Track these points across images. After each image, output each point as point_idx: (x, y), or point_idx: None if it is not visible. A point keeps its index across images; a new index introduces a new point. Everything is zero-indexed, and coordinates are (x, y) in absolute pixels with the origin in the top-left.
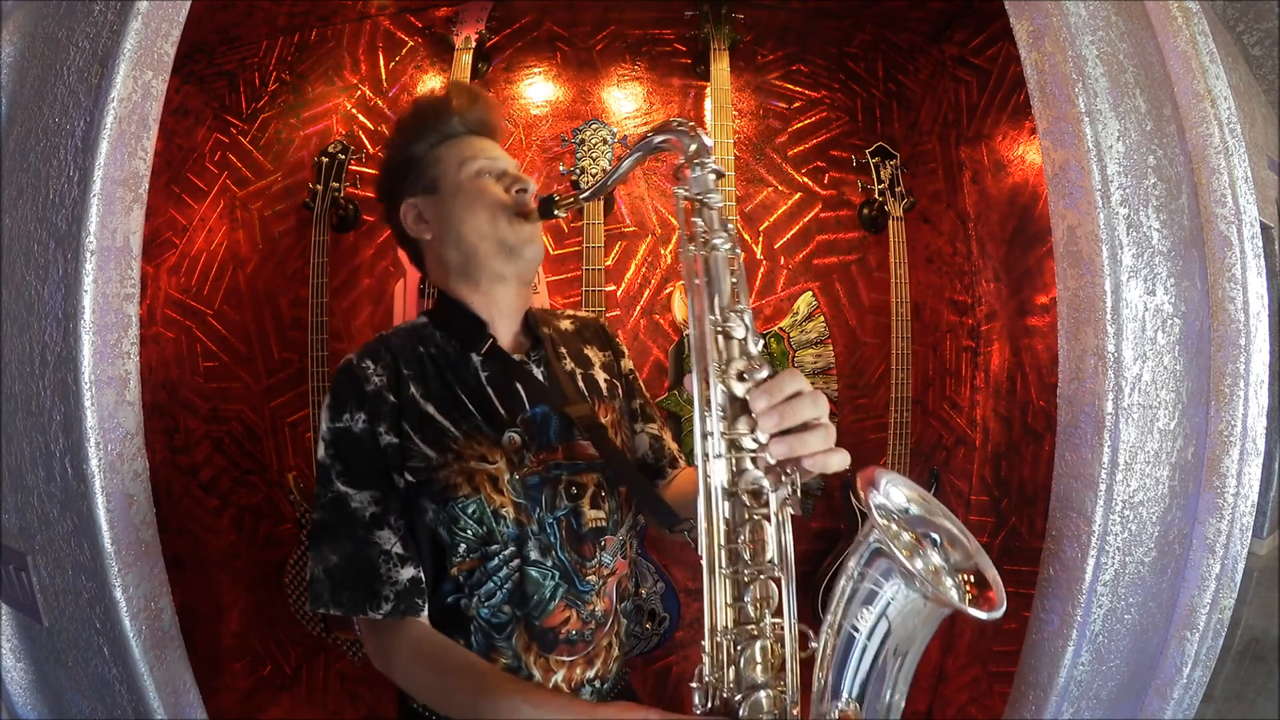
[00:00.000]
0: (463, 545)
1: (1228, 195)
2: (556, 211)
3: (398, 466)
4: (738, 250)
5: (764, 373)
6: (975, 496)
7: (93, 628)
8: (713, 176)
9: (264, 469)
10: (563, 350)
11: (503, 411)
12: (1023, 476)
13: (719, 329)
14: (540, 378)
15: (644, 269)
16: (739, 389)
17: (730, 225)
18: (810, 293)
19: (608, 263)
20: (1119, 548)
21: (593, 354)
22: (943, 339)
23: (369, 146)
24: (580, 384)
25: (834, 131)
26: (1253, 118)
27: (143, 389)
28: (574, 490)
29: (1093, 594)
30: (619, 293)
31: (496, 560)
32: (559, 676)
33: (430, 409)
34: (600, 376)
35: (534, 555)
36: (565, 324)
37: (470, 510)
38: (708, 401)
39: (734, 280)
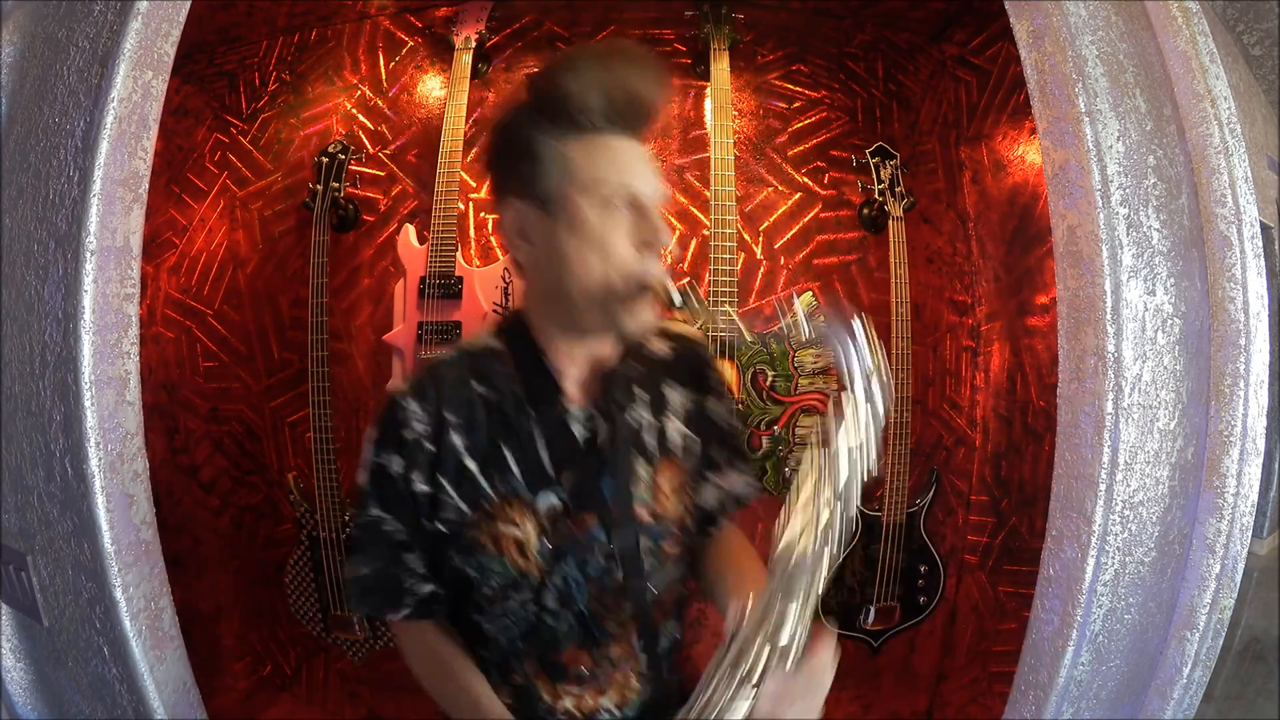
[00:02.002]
0: (484, 588)
1: (1228, 195)
2: (675, 306)
3: (427, 514)
4: None
5: None
6: (975, 496)
7: (93, 628)
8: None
9: (264, 469)
10: (638, 395)
11: (550, 471)
12: (1023, 476)
13: None
14: (601, 434)
15: None
16: None
17: None
18: (810, 293)
19: None
20: (1119, 548)
21: (677, 396)
22: (943, 339)
23: (369, 146)
24: (650, 440)
25: (834, 131)
26: (1253, 118)
27: (143, 389)
28: (613, 551)
29: (1093, 594)
30: None
31: (514, 602)
32: (568, 703)
33: (470, 464)
34: (676, 429)
35: (551, 605)
36: (662, 348)
37: (493, 566)
38: None
39: None
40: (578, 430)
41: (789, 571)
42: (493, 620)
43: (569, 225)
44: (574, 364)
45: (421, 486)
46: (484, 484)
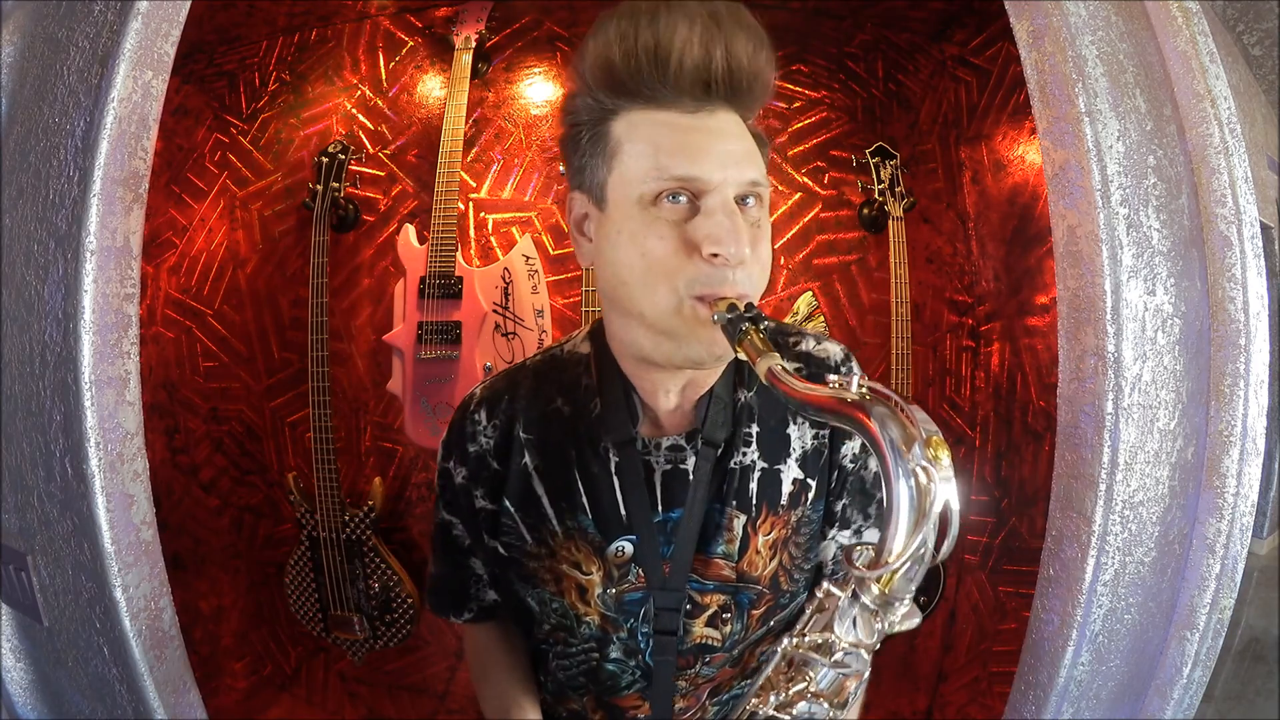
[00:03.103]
0: (545, 625)
1: (1228, 195)
2: (739, 336)
3: (490, 530)
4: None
5: None
6: (975, 496)
7: (93, 628)
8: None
9: (264, 469)
10: (751, 431)
11: (624, 513)
12: (1023, 476)
13: None
14: (689, 476)
15: None
16: None
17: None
18: (810, 293)
19: None
20: (1119, 548)
21: (798, 435)
22: (943, 339)
23: (369, 146)
24: (754, 487)
25: (834, 131)
26: (1253, 118)
27: (143, 389)
28: (688, 608)
29: (1093, 594)
30: None
31: (575, 648)
32: None
33: (539, 489)
34: (790, 475)
35: (615, 655)
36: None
37: (553, 605)
38: None
39: None
40: (660, 465)
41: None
42: (556, 655)
43: (615, 221)
44: (667, 390)
45: (484, 503)
46: (552, 517)
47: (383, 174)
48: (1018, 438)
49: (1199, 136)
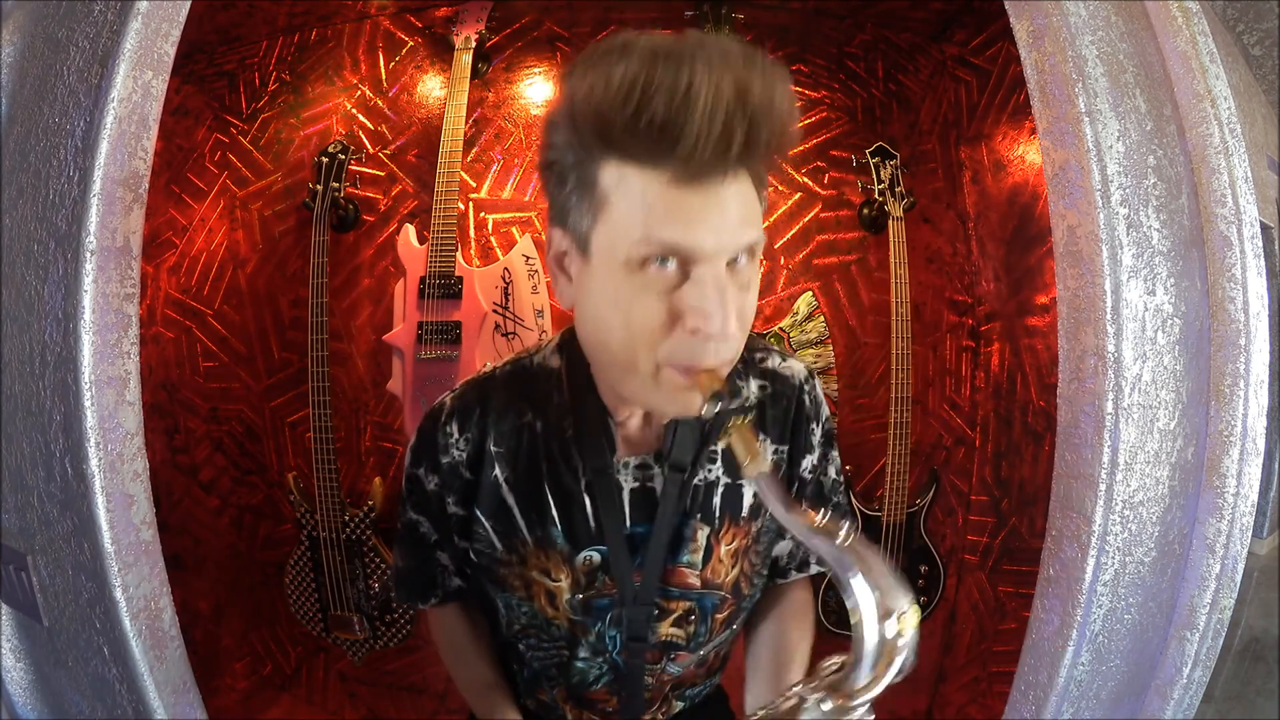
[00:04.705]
0: (515, 625)
1: (1228, 195)
2: (725, 428)
3: (461, 534)
4: None
5: None
6: (975, 496)
7: (93, 628)
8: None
9: (264, 469)
10: (714, 450)
11: (592, 525)
12: (1023, 476)
13: None
14: (656, 492)
15: None
16: None
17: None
18: (810, 293)
19: None
20: (1119, 548)
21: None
22: (943, 339)
23: (369, 146)
24: (717, 501)
25: (834, 131)
26: (1253, 118)
27: (143, 389)
28: (655, 612)
29: (1093, 594)
30: None
31: (545, 647)
32: None
33: (510, 500)
34: (751, 489)
35: (583, 655)
36: (752, 390)
37: (522, 608)
38: None
39: None
40: (628, 483)
41: None
42: (527, 649)
43: (598, 275)
44: (635, 413)
45: (456, 510)
46: (522, 527)
47: (383, 174)
48: (1018, 438)
49: (1199, 136)
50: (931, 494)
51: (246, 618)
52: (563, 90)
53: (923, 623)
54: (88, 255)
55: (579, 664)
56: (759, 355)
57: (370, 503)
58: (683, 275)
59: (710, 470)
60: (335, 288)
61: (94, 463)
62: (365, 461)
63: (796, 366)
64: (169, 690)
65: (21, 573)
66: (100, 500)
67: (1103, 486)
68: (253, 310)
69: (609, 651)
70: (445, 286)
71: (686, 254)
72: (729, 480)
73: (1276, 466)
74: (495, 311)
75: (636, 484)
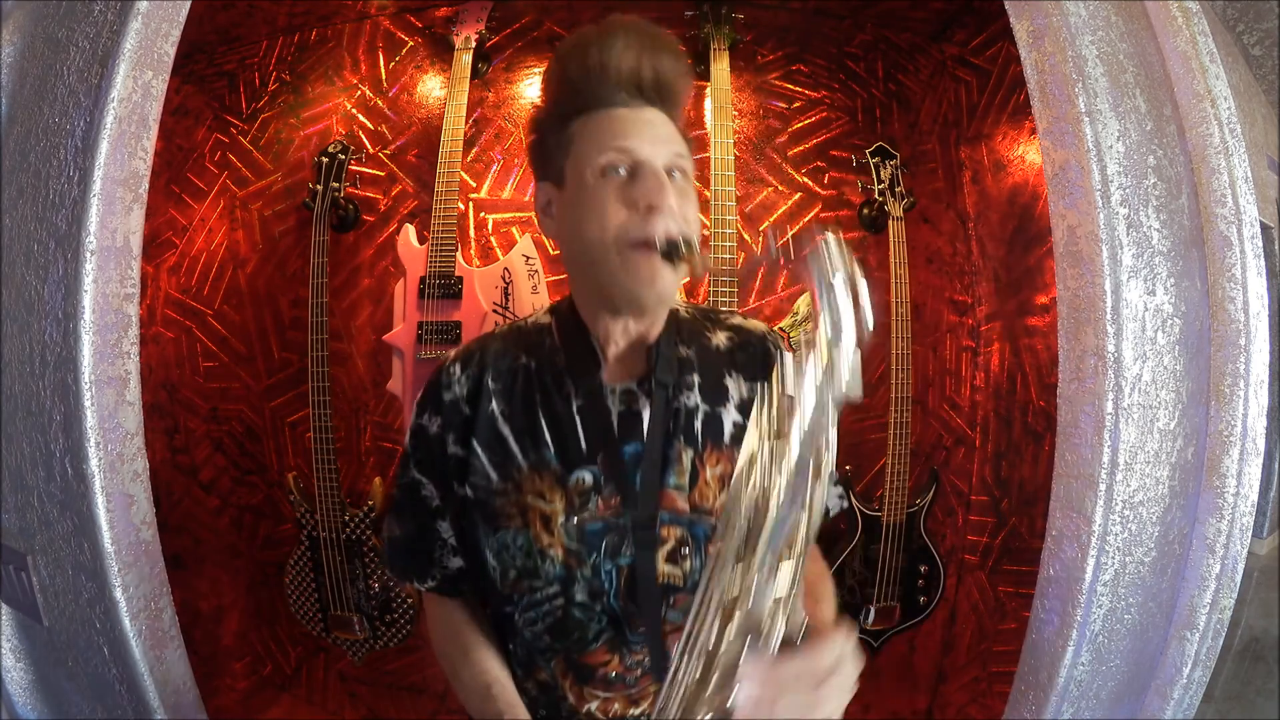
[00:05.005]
0: (511, 572)
1: (1228, 195)
2: (677, 260)
3: (459, 477)
4: None
5: None
6: (975, 496)
7: (93, 628)
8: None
9: (264, 469)
10: (692, 379)
11: (584, 446)
12: (1023, 476)
13: None
14: (640, 413)
15: None
16: None
17: None
18: (810, 293)
19: None
20: (1119, 548)
21: (735, 386)
22: (943, 339)
23: (369, 146)
24: (699, 425)
25: (834, 131)
26: (1253, 118)
27: (143, 389)
28: (646, 540)
29: (1093, 594)
30: None
31: (540, 595)
32: (593, 706)
33: (505, 430)
34: (730, 418)
35: (580, 598)
36: (721, 339)
37: (518, 542)
38: None
39: None
40: (615, 407)
41: (747, 524)
42: (521, 612)
43: (576, 192)
44: (617, 340)
45: (455, 449)
46: (516, 452)
47: (383, 174)
48: (1018, 438)
49: (1199, 136)
50: (931, 494)
51: (246, 618)
52: (542, 82)
53: (922, 623)
54: (88, 255)
55: (576, 613)
56: (724, 315)
57: (370, 503)
58: (632, 175)
59: (690, 397)
60: (335, 288)
61: (94, 463)
62: (365, 461)
63: (758, 324)
64: (169, 690)
65: (21, 573)
66: (100, 500)
67: (1103, 486)
68: (253, 310)
69: (606, 594)
70: (445, 286)
71: (632, 155)
72: (708, 408)
73: (1276, 466)
74: (495, 311)
75: (623, 407)
